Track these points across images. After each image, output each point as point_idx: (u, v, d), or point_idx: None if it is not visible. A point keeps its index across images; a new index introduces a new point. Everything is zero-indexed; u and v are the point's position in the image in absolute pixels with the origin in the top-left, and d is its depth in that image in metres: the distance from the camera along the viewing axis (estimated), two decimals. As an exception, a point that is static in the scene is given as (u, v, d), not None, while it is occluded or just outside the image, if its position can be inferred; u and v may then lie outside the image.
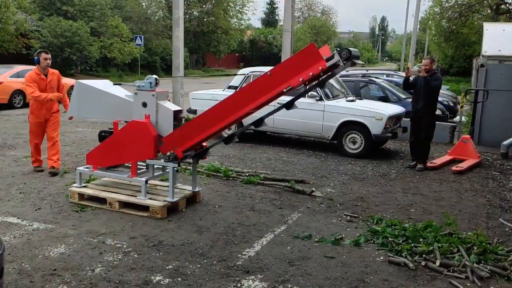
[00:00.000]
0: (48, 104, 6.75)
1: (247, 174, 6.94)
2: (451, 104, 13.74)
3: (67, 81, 13.31)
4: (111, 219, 5.05)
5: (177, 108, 5.45)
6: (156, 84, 5.34)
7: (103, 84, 5.82)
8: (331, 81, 9.13)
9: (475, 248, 4.38)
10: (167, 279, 3.75)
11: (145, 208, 5.21)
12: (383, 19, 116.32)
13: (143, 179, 5.35)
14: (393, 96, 11.93)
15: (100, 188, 5.68)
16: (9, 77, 14.77)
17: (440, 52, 35.03)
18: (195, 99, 10.28)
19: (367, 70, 18.87)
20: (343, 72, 13.48)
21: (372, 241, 4.67)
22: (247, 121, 7.66)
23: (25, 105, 13.66)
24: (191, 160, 5.71)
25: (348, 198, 6.20)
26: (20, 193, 5.87)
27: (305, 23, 64.81)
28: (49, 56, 6.79)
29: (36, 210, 5.27)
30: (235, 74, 9.62)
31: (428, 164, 8.07)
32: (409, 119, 8.40)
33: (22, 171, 6.92)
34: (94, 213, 5.23)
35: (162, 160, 5.28)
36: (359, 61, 4.81)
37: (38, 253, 4.15)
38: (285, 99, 5.50)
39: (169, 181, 5.36)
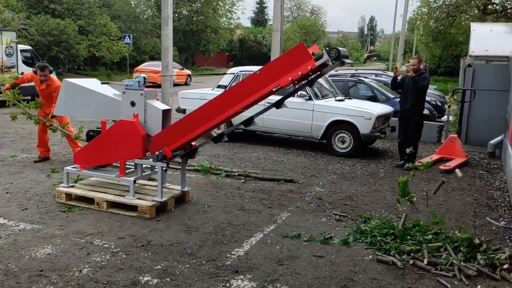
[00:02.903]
0: None
1: (236, 174, 6.92)
2: (439, 103, 13.86)
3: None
4: (99, 219, 5.00)
5: (166, 107, 5.42)
6: (145, 83, 5.31)
7: (91, 83, 5.78)
8: (320, 80, 9.15)
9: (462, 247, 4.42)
10: (155, 280, 3.73)
11: (133, 208, 5.17)
12: (372, 19, 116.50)
13: (132, 178, 5.32)
14: (382, 95, 12.00)
15: (88, 188, 5.63)
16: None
17: (428, 52, 35.29)
18: (184, 98, 10.25)
19: (356, 70, 18.97)
20: (332, 72, 13.53)
21: (360, 240, 4.69)
22: (236, 120, 7.66)
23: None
24: (180, 160, 5.69)
25: (337, 197, 6.22)
26: (7, 193, 5.80)
27: (295, 22, 64.82)
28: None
29: (22, 210, 5.21)
30: (225, 73, 9.59)
31: (416, 163, 8.11)
32: (397, 118, 8.45)
33: (8, 171, 6.84)
34: (82, 213, 5.18)
35: (151, 160, 5.25)
36: (348, 60, 4.83)
37: (24, 253, 4.10)
38: (274, 98, 5.49)
39: (158, 181, 5.33)
